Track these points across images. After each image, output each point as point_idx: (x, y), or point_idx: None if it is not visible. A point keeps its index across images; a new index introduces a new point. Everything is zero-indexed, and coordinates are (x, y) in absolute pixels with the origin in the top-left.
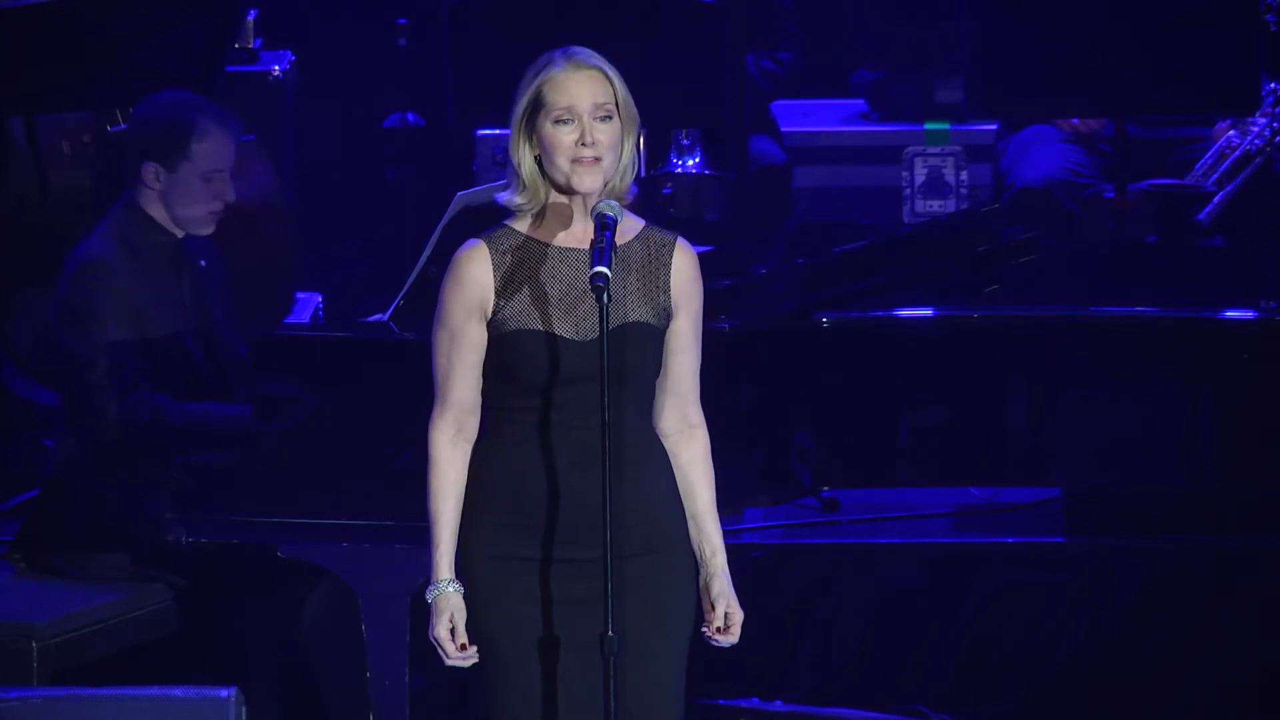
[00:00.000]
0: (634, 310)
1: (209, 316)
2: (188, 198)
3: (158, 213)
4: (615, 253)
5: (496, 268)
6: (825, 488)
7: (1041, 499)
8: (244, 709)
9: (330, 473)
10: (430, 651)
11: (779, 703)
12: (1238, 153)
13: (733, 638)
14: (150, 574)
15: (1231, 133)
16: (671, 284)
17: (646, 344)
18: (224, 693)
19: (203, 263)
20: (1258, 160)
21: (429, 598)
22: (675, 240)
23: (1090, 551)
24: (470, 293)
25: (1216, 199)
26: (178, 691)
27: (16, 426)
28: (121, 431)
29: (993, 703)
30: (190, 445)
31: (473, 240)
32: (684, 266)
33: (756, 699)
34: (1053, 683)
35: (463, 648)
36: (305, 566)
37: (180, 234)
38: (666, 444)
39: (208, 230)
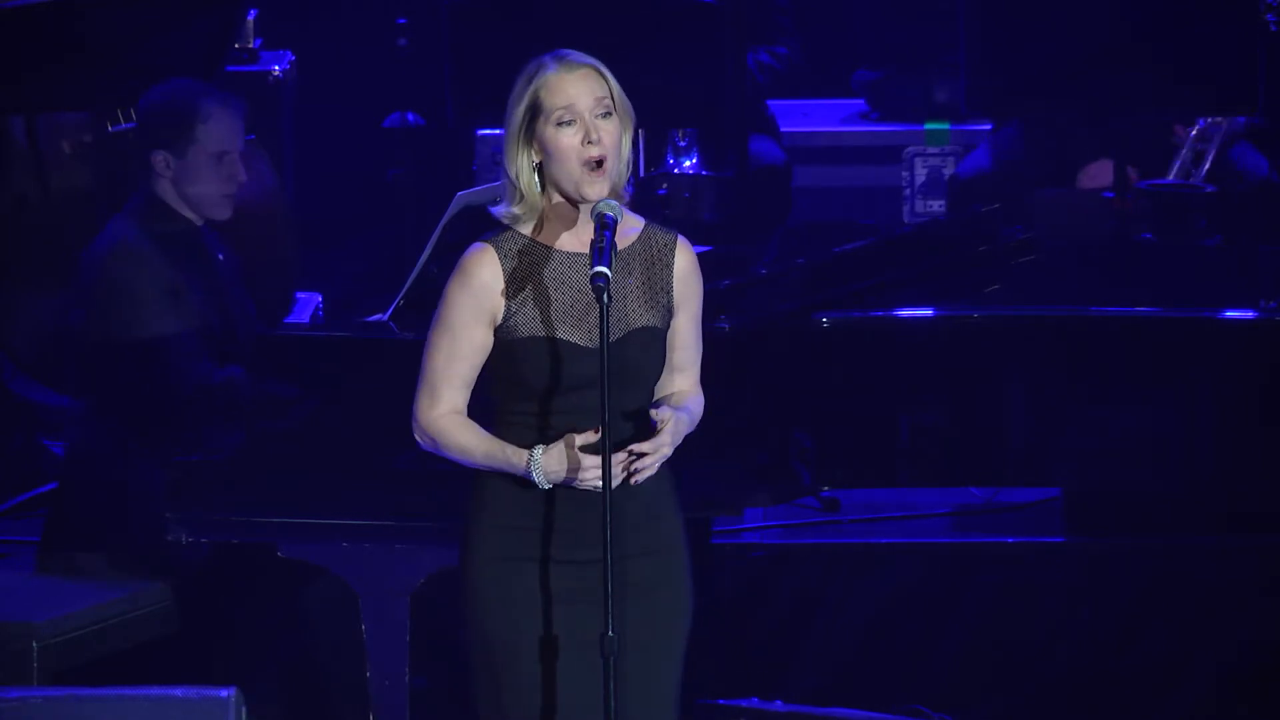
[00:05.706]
0: (639, 315)
1: (228, 310)
2: (199, 181)
3: (175, 201)
4: (615, 253)
5: (505, 272)
6: (825, 488)
7: (1041, 499)
8: (244, 709)
9: (330, 472)
10: (430, 652)
11: (779, 703)
12: (1191, 140)
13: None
14: (150, 574)
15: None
16: (674, 283)
17: (652, 348)
18: (224, 693)
19: (220, 256)
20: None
21: (535, 476)
22: (676, 239)
23: (1090, 551)
24: (479, 297)
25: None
26: (178, 691)
27: (16, 426)
28: (195, 406)
29: (993, 703)
30: (256, 421)
31: (478, 244)
32: (685, 265)
33: (756, 699)
34: (1053, 683)
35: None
36: (305, 566)
37: (199, 222)
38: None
39: (225, 214)
